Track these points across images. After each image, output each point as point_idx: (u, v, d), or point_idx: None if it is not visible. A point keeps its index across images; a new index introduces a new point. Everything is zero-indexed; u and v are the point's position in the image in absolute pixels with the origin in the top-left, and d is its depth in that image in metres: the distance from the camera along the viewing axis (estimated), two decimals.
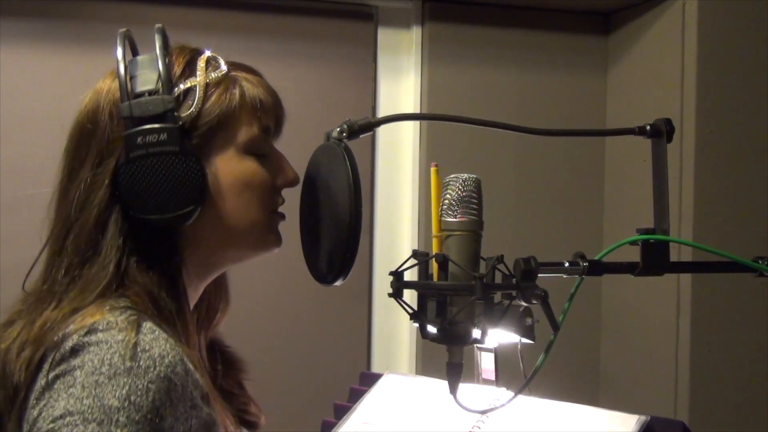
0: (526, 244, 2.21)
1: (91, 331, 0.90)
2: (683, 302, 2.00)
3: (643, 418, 1.11)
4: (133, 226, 0.98)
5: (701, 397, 1.99)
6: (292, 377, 2.14)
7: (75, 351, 0.89)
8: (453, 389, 0.99)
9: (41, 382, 0.90)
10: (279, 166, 1.08)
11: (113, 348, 0.88)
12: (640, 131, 1.12)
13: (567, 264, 1.04)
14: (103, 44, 2.02)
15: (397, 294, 1.02)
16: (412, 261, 1.03)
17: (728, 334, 2.00)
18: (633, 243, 1.07)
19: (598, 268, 1.04)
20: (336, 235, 1.03)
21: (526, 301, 0.99)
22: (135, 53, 1.05)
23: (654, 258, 1.07)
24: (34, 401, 0.89)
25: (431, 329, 1.00)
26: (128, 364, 0.87)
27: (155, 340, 0.90)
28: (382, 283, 2.20)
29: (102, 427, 0.84)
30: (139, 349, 0.88)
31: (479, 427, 1.17)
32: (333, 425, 1.29)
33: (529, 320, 1.01)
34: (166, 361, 0.89)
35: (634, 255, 1.08)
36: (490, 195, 1.06)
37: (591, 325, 2.30)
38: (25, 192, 1.91)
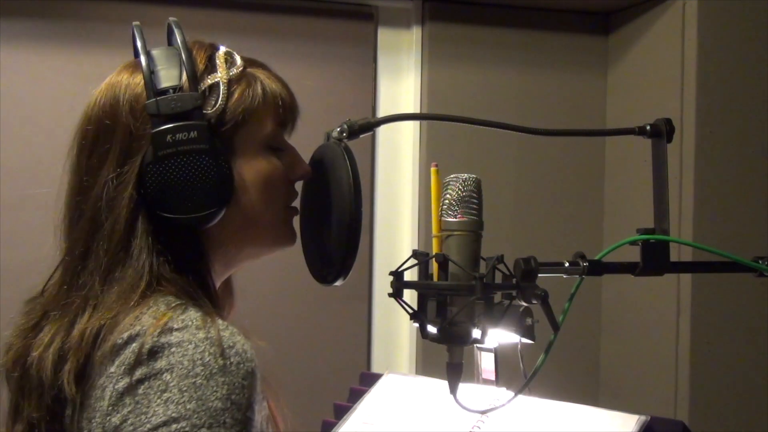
0: (526, 244, 2.21)
1: (166, 331, 0.87)
2: (683, 302, 2.00)
3: (643, 418, 1.11)
4: (159, 226, 0.95)
5: (701, 397, 1.99)
6: (292, 377, 2.14)
7: (154, 353, 0.85)
8: (453, 389, 0.99)
9: (114, 387, 0.86)
10: (293, 159, 1.07)
11: (200, 347, 0.85)
12: (640, 131, 1.12)
13: (567, 264, 1.04)
14: (103, 44, 2.03)
15: (397, 294, 1.02)
16: (412, 261, 1.03)
17: (728, 334, 2.00)
18: (633, 243, 1.07)
19: (598, 268, 1.04)
20: (336, 235, 1.03)
21: (526, 301, 0.99)
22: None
23: (654, 258, 1.07)
24: (110, 408, 0.85)
25: (431, 329, 1.00)
26: (221, 362, 0.85)
27: (233, 334, 0.88)
28: (382, 283, 2.20)
29: (212, 430, 0.83)
30: (225, 346, 0.86)
31: (479, 427, 1.17)
32: (333, 425, 1.29)
33: (529, 320, 1.01)
34: (248, 355, 0.88)
35: (634, 255, 1.08)
36: (491, 195, 1.06)
37: (591, 325, 2.30)
38: (25, 192, 1.91)
